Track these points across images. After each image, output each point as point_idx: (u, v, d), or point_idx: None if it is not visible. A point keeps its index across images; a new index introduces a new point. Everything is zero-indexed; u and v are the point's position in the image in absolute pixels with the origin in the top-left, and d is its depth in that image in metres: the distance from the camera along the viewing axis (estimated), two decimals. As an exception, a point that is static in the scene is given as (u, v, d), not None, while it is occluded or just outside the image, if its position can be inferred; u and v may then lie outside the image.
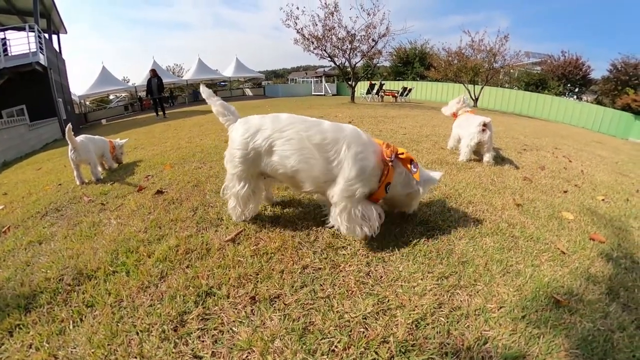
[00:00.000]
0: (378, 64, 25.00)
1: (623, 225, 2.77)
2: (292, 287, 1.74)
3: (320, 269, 1.89)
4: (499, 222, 2.51)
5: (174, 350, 1.41)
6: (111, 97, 38.29)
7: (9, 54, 15.05)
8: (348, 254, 2.03)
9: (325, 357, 1.36)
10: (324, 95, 35.06)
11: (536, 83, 33.18)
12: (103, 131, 14.79)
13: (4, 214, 3.42)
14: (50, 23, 20.39)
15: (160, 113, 15.88)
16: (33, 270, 2.15)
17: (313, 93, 36.95)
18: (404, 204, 2.42)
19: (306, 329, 1.49)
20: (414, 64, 38.48)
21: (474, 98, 23.80)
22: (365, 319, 1.54)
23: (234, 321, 1.54)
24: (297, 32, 19.18)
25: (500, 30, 23.84)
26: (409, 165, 2.20)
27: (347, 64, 20.64)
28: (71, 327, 1.60)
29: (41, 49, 15.59)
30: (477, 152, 4.36)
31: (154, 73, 15.61)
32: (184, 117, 14.25)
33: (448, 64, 24.61)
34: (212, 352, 1.40)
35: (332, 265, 1.92)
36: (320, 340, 1.43)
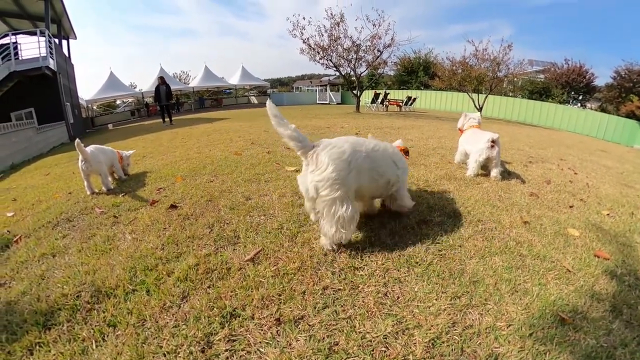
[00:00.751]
0: (383, 74, 25.14)
1: (627, 241, 2.83)
2: (315, 308, 1.79)
3: (340, 289, 1.95)
4: (507, 241, 2.58)
5: (203, 371, 1.46)
6: (118, 102, 38.53)
7: (20, 58, 15.31)
8: (365, 274, 2.08)
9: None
10: (329, 103, 35.35)
11: (540, 91, 33.24)
12: (110, 136, 15.01)
13: (14, 222, 3.46)
14: (60, 28, 20.81)
15: (167, 120, 16.01)
16: (48, 284, 2.16)
17: (318, 101, 37.23)
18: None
19: (331, 349, 1.55)
20: (418, 73, 38.70)
21: (478, 107, 23.87)
22: (386, 338, 1.61)
23: (260, 342, 1.59)
24: (304, 42, 19.41)
25: (504, 39, 24.14)
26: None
27: (352, 73, 20.81)
28: (94, 347, 1.62)
29: (51, 53, 15.95)
30: (484, 167, 4.43)
31: (162, 80, 15.81)
32: (191, 124, 14.37)
33: (452, 73, 24.70)
34: (242, 373, 1.44)
35: (352, 286, 1.97)
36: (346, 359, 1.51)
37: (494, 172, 4.30)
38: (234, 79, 39.97)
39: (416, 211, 3.04)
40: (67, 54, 22.28)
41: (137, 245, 2.56)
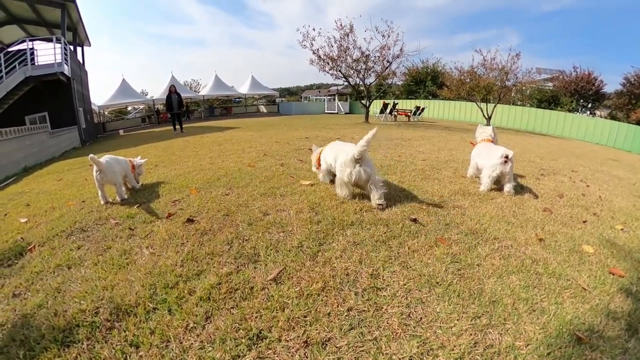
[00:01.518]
0: (391, 84, 25.25)
1: (642, 257, 2.83)
2: (341, 329, 1.81)
3: (364, 310, 1.96)
4: (523, 259, 2.60)
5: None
6: (129, 108, 39.05)
7: (36, 63, 15.78)
8: (388, 295, 2.11)
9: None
10: (337, 113, 35.53)
11: (549, 100, 33.09)
12: (122, 142, 15.22)
13: (27, 229, 3.49)
14: (75, 36, 21.45)
15: (178, 127, 16.28)
16: (65, 298, 2.16)
17: (326, 111, 37.54)
18: None
19: (360, 371, 1.57)
20: (426, 82, 38.73)
21: (486, 116, 23.84)
22: (412, 359, 1.65)
23: (289, 365, 1.61)
24: (313, 52, 19.58)
25: (512, 48, 24.11)
26: None
27: (361, 84, 20.93)
28: (116, 368, 1.60)
29: (66, 60, 16.36)
30: (497, 182, 4.46)
31: (174, 89, 16.16)
32: (202, 133, 14.54)
33: (461, 82, 24.72)
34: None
35: (375, 308, 1.99)
36: (374, 382, 1.52)
37: (507, 188, 4.32)
38: (243, 88, 40.38)
39: (435, 229, 3.08)
40: (81, 61, 22.94)
41: (156, 261, 2.56)
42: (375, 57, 19.47)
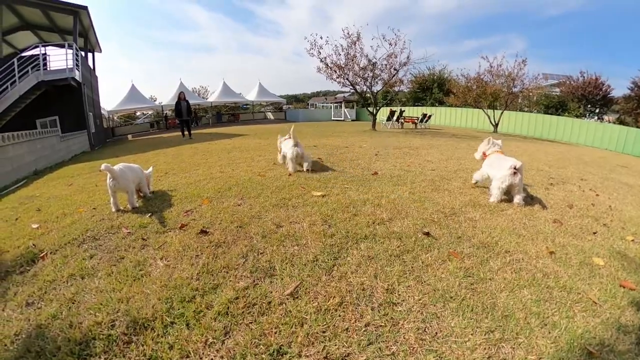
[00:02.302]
0: (398, 92, 25.30)
1: (653, 270, 2.84)
2: (360, 345, 1.84)
3: (381, 326, 1.99)
4: (534, 272, 2.63)
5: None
6: (137, 113, 39.70)
7: (48, 68, 16.06)
8: (404, 310, 2.14)
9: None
10: (343, 120, 35.54)
11: (556, 105, 32.96)
12: (131, 147, 15.50)
13: (39, 235, 3.52)
14: (87, 42, 21.87)
15: (187, 133, 16.72)
16: (79, 309, 2.17)
17: (333, 118, 37.60)
18: None
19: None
20: (432, 89, 38.72)
21: (493, 123, 23.88)
22: (429, 374, 1.67)
23: (312, 380, 1.63)
24: (321, 61, 19.64)
25: (518, 54, 24.15)
26: None
27: (368, 91, 20.98)
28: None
29: (77, 65, 16.66)
30: (507, 193, 4.49)
31: (183, 96, 16.56)
32: (210, 139, 14.67)
33: (467, 90, 24.76)
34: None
35: (392, 323, 2.02)
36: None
37: (517, 199, 4.35)
38: (251, 95, 40.73)
39: (447, 242, 3.11)
40: (92, 66, 23.36)
41: (171, 274, 2.58)
42: (382, 65, 19.52)
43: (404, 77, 20.66)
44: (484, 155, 5.24)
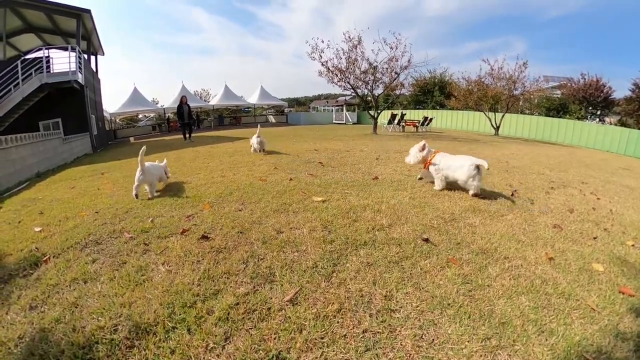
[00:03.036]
0: (399, 95, 25.32)
1: (653, 275, 2.84)
2: (357, 351, 1.85)
3: (379, 332, 2.00)
4: (533, 279, 2.63)
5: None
6: (140, 116, 39.86)
7: (51, 71, 16.30)
8: (402, 316, 2.15)
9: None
10: (345, 123, 35.60)
11: (557, 108, 32.87)
12: (133, 149, 15.42)
13: (41, 238, 3.54)
14: (89, 45, 22.15)
15: (187, 136, 17.33)
16: (82, 313, 2.19)
17: (334, 121, 37.83)
18: None
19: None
20: (433, 92, 38.76)
21: (494, 126, 23.89)
22: (425, 381, 1.67)
23: (308, 385, 1.64)
24: (322, 64, 19.73)
25: (519, 57, 24.17)
26: None
27: (369, 95, 21.02)
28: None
29: (80, 68, 16.91)
30: (452, 184, 5.13)
31: (185, 100, 17.02)
32: (212, 143, 14.75)
33: (468, 92, 24.78)
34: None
35: (390, 329, 2.03)
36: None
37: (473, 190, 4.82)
38: (252, 98, 40.84)
39: (446, 249, 3.12)
40: (94, 69, 23.69)
41: (172, 279, 2.59)
42: (383, 68, 19.62)
43: (405, 80, 20.79)
44: (425, 160, 5.40)
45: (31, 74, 15.10)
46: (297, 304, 2.29)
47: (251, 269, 2.74)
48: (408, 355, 1.86)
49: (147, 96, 36.25)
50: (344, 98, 44.48)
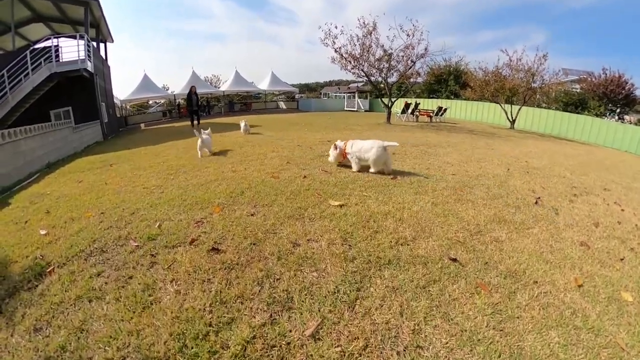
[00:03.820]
0: (414, 83, 24.76)
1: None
2: None
3: None
4: (562, 310, 2.49)
5: None
6: (150, 102, 39.80)
7: (60, 60, 16.40)
8: (430, 355, 2.01)
9: None
10: (356, 111, 35.25)
11: (575, 103, 31.83)
12: (143, 136, 16.29)
13: (47, 243, 3.50)
14: (98, 32, 21.98)
15: (195, 123, 18.36)
16: (88, 340, 2.10)
17: (345, 108, 37.26)
18: None
19: None
20: (448, 81, 38.08)
21: (511, 119, 23.46)
22: None
23: None
24: (335, 51, 19.35)
25: (539, 48, 23.46)
26: None
27: (383, 83, 20.70)
28: None
29: (89, 56, 16.91)
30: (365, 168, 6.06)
31: (194, 90, 18.36)
32: (222, 131, 14.64)
33: (485, 83, 24.32)
34: None
35: None
36: None
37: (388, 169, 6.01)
38: (263, 84, 40.65)
39: (474, 270, 2.96)
40: (104, 56, 23.66)
41: (182, 302, 2.45)
42: (399, 56, 19.19)
43: (420, 69, 20.39)
44: (345, 154, 6.29)
45: (40, 63, 15.09)
46: (319, 338, 2.13)
47: (267, 292, 2.58)
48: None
49: (158, 83, 36.15)
50: (356, 85, 44.09)
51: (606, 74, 31.74)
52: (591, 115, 27.35)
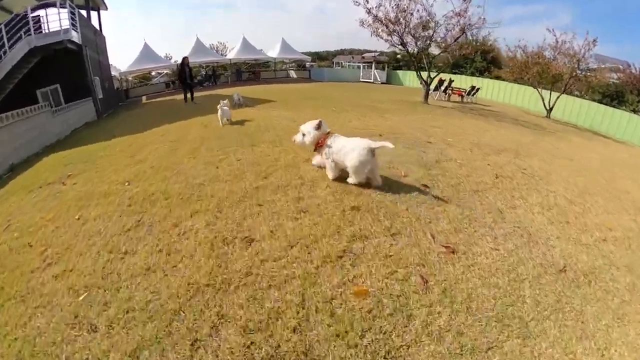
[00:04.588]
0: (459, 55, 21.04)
1: None
2: None
3: None
4: None
5: None
6: (153, 73, 37.92)
7: (45, 32, 14.49)
8: None
9: None
10: (373, 82, 33.77)
11: (612, 95, 28.40)
12: (139, 115, 15.78)
13: None
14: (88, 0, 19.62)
15: (189, 98, 16.79)
16: None
17: (361, 79, 35.72)
18: None
19: None
20: (474, 58, 35.52)
21: (547, 108, 20.94)
22: None
23: None
24: (368, 12, 16.54)
25: (589, 33, 20.38)
26: None
27: (421, 53, 18.05)
28: None
29: (74, 26, 14.79)
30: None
31: (187, 61, 16.58)
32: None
33: (525, 65, 21.82)
34: None
35: None
36: None
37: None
38: (273, 52, 38.53)
39: None
40: (97, 26, 21.63)
41: None
42: (447, 24, 16.17)
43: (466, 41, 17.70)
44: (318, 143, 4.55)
45: (20, 37, 13.07)
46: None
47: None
48: None
49: (160, 52, 34.59)
50: (372, 54, 41.55)
51: (648, 66, 28.23)
52: (628, 110, 24.38)
